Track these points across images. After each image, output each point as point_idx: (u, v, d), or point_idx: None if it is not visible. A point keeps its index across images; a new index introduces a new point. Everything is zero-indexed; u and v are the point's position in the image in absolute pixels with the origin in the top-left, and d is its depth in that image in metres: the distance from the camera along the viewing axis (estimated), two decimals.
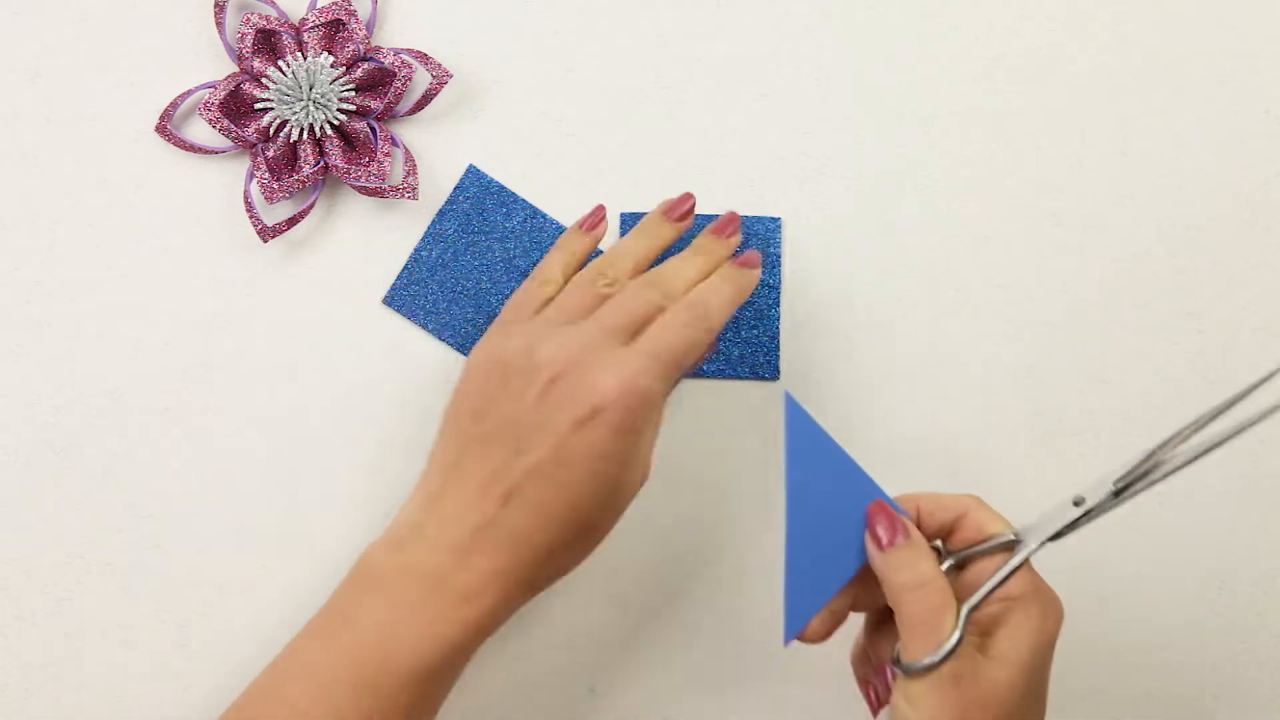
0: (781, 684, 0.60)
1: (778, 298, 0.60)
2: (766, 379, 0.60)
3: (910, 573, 0.48)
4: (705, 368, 0.60)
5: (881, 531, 0.49)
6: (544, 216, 0.60)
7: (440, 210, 0.60)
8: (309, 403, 0.59)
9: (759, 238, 0.60)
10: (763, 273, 0.59)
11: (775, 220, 0.60)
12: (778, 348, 0.60)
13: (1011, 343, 0.61)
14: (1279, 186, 0.62)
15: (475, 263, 0.60)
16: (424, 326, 0.60)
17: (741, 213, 0.61)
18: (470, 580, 0.48)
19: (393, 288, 0.60)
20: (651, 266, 0.55)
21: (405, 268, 0.60)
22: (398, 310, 0.60)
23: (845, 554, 0.50)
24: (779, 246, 0.60)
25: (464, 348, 0.60)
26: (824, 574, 0.50)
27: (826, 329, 0.61)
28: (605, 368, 0.49)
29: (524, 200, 0.60)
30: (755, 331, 0.60)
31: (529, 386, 0.49)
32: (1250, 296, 0.62)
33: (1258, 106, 0.62)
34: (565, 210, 0.61)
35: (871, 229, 0.62)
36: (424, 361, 0.60)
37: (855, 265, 0.61)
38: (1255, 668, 0.61)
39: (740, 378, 0.60)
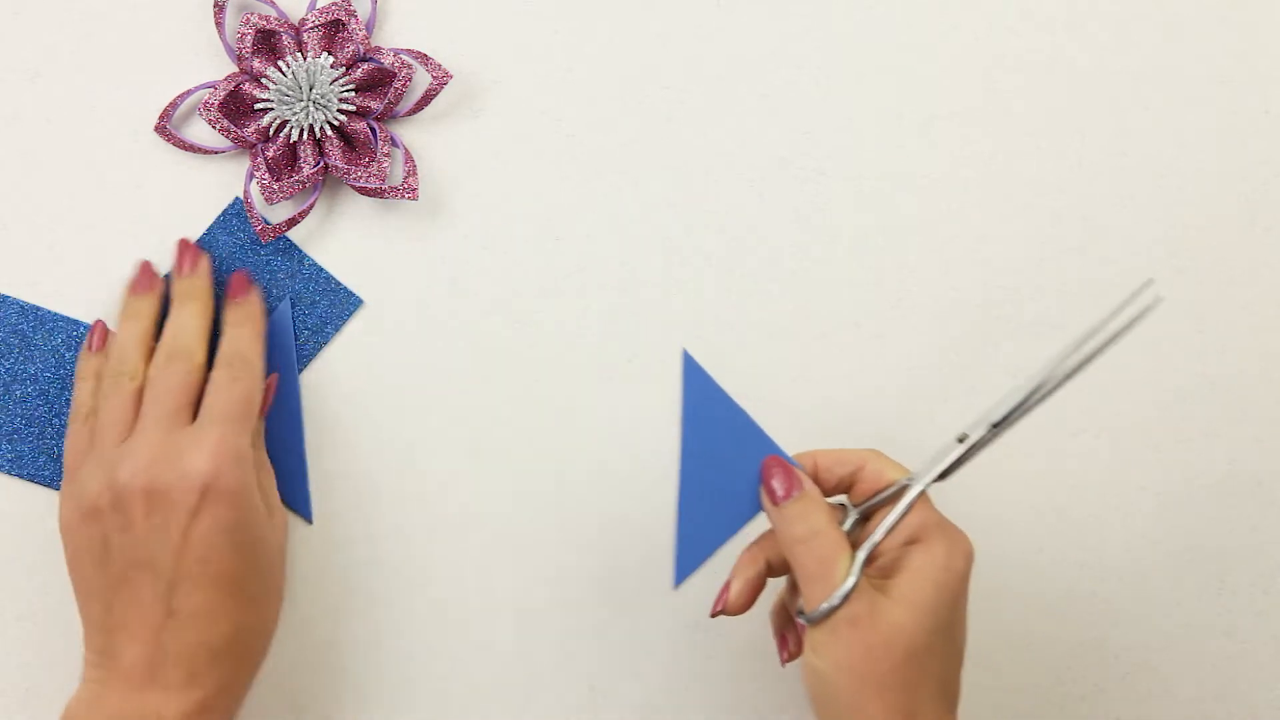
0: (783, 683, 0.60)
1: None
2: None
3: (803, 525, 0.49)
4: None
5: (776, 485, 0.50)
6: (55, 317, 0.58)
7: None
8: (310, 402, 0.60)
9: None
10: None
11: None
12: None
13: (1011, 343, 0.61)
14: (1279, 186, 0.62)
15: (27, 389, 0.58)
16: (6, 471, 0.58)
17: (747, 212, 0.61)
18: (166, 715, 0.49)
19: None
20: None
21: None
22: None
23: (738, 507, 0.52)
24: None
25: (45, 480, 0.58)
26: (716, 525, 0.53)
27: (826, 329, 0.61)
28: (187, 453, 0.50)
29: (51, 313, 0.58)
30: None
31: (131, 514, 0.50)
32: (1250, 296, 0.62)
33: (1258, 106, 0.63)
34: (565, 210, 0.61)
35: (871, 229, 0.62)
36: (405, 377, 0.60)
37: (855, 265, 0.61)
38: (1255, 668, 0.61)
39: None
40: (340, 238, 0.60)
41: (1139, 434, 0.61)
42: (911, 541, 0.49)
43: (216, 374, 0.53)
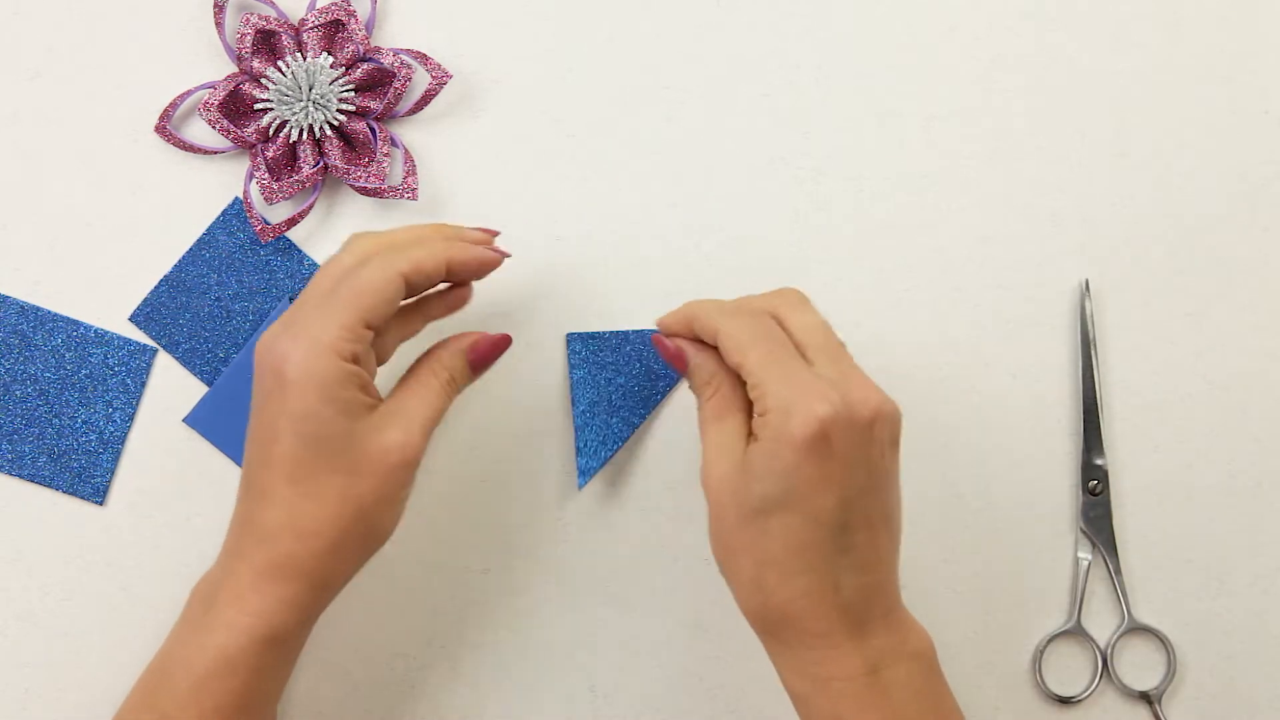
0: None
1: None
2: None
3: (710, 392, 0.50)
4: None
5: (672, 356, 0.51)
6: (55, 317, 0.58)
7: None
8: None
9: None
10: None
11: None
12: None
13: (1012, 343, 0.61)
14: (1279, 186, 0.62)
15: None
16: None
17: (741, 214, 0.61)
18: (234, 584, 0.48)
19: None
20: None
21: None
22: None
23: (631, 411, 0.59)
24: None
25: (45, 480, 0.59)
26: (612, 431, 0.59)
27: (851, 329, 0.61)
28: (288, 331, 0.48)
29: (51, 313, 0.58)
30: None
31: (258, 379, 0.49)
32: (1250, 296, 0.62)
33: (1258, 106, 0.62)
34: (565, 210, 0.61)
35: (871, 229, 0.62)
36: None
37: (855, 266, 0.61)
38: (1255, 668, 0.61)
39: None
40: (340, 238, 0.60)
41: (1140, 434, 0.61)
42: (762, 413, 0.47)
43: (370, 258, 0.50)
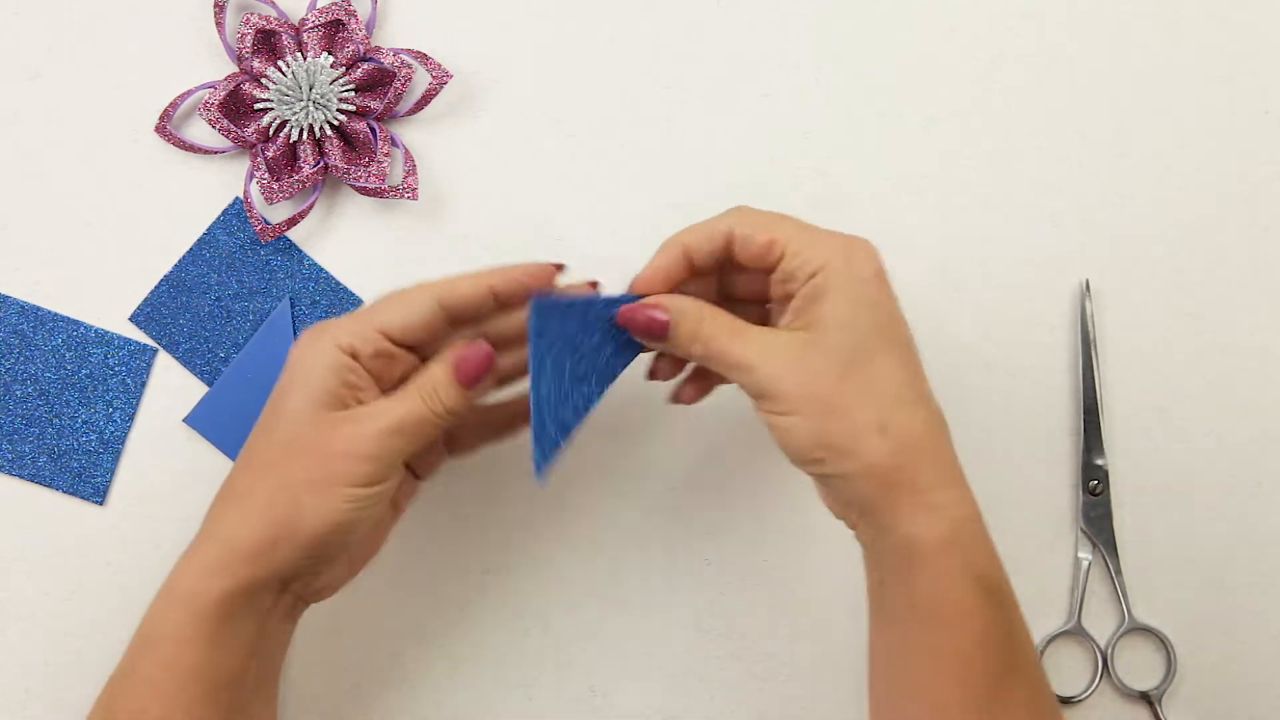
0: (784, 684, 0.60)
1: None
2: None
3: (699, 346, 0.49)
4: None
5: (649, 327, 0.49)
6: (55, 317, 0.58)
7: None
8: None
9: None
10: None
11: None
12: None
13: (1012, 343, 0.61)
14: (1279, 186, 0.62)
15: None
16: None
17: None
18: (185, 557, 0.49)
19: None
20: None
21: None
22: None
23: (590, 381, 0.51)
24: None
25: (45, 480, 0.59)
26: (571, 409, 0.50)
27: None
28: (314, 327, 0.50)
29: (51, 313, 0.58)
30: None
31: None
32: (1250, 296, 0.62)
33: (1258, 106, 0.62)
34: (565, 210, 0.61)
35: (871, 229, 0.61)
36: None
37: None
38: (1255, 668, 0.61)
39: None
40: (340, 238, 0.60)
41: (1140, 435, 0.61)
42: (813, 274, 0.48)
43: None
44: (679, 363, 0.53)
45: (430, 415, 0.49)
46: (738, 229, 0.49)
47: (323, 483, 0.48)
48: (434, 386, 0.49)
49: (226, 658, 0.48)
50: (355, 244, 0.60)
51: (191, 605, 0.48)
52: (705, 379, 0.54)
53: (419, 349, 0.51)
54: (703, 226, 0.50)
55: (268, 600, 0.49)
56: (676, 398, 0.54)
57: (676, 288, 0.50)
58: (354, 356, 0.49)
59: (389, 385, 0.50)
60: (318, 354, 0.48)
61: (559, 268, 0.52)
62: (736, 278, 0.52)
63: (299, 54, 0.58)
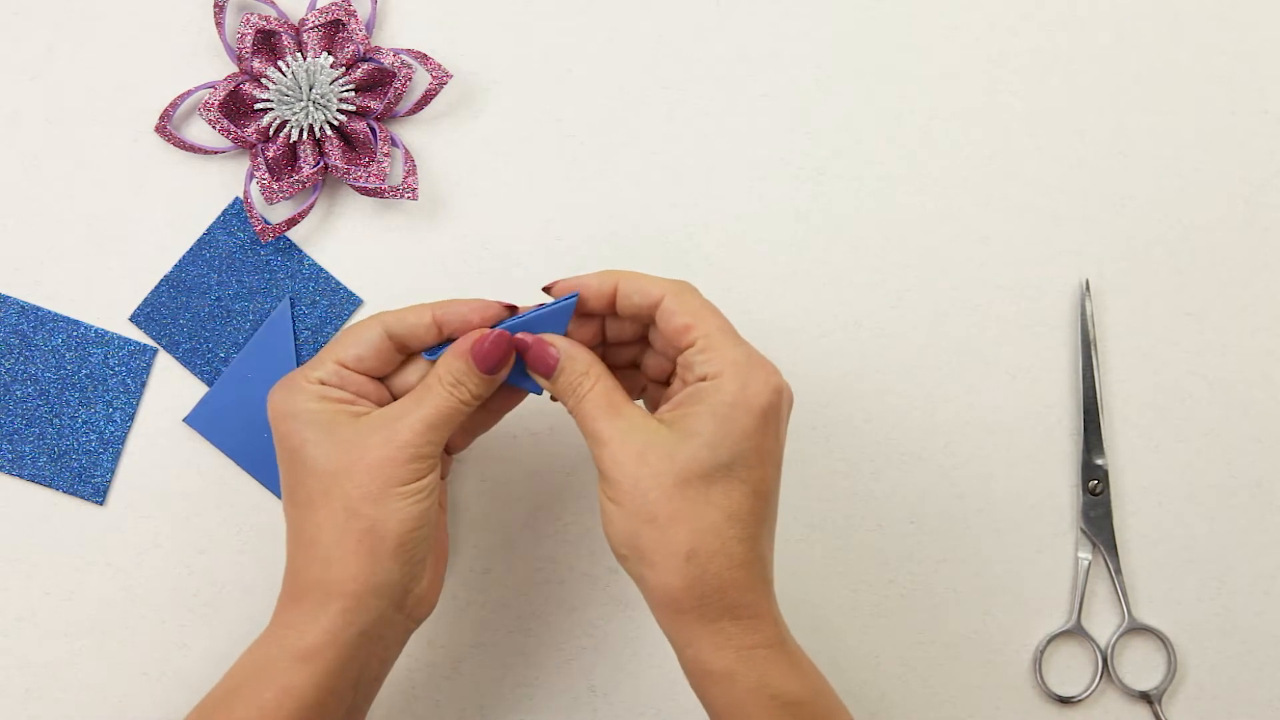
0: None
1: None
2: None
3: (572, 397, 0.50)
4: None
5: (542, 362, 0.50)
6: (55, 317, 0.58)
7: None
8: None
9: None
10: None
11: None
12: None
13: (1012, 343, 0.61)
14: (1279, 186, 0.62)
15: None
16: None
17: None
18: (278, 607, 0.50)
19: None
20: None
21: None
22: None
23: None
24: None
25: (45, 480, 0.59)
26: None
27: (826, 329, 0.61)
28: (278, 382, 0.51)
29: (51, 313, 0.58)
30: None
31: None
32: (1250, 296, 0.62)
33: (1258, 106, 0.62)
34: (565, 210, 0.61)
35: (871, 229, 0.62)
36: None
37: (855, 266, 0.61)
38: (1255, 668, 0.61)
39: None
40: (340, 238, 0.60)
41: (1141, 435, 0.61)
42: (703, 378, 0.48)
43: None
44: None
45: (459, 405, 0.50)
46: (668, 301, 0.49)
47: (376, 493, 0.48)
48: (456, 378, 0.50)
49: (311, 695, 0.49)
50: (355, 244, 0.60)
51: (279, 644, 0.49)
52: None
53: (376, 376, 0.52)
54: (644, 279, 0.50)
55: (387, 630, 0.50)
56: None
57: (594, 312, 0.51)
58: (323, 382, 0.50)
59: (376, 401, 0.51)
60: (295, 396, 0.50)
61: (510, 309, 0.52)
62: (648, 354, 0.53)
63: (299, 54, 0.58)
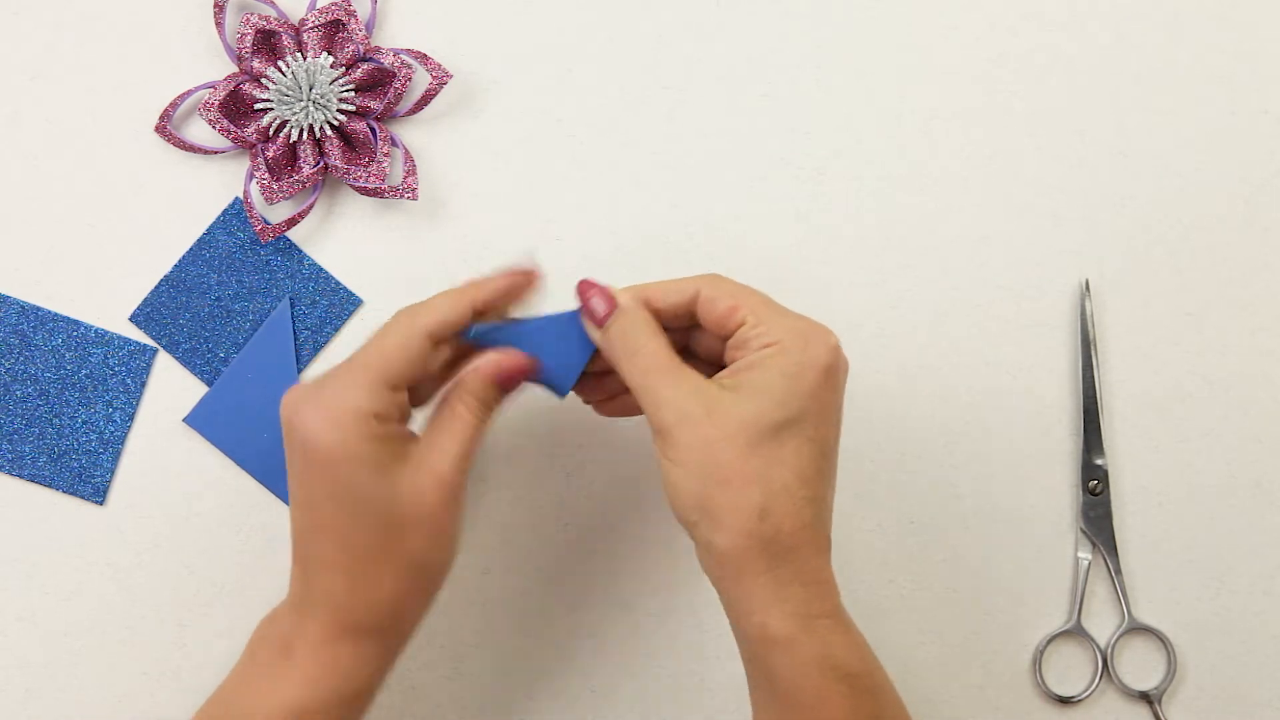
0: None
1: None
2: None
3: (624, 343, 0.49)
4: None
5: (596, 305, 0.49)
6: (55, 317, 0.58)
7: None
8: None
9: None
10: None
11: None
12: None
13: (1012, 343, 0.61)
14: (1279, 186, 0.62)
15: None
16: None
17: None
18: (308, 640, 0.48)
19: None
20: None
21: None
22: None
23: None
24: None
25: (45, 480, 0.59)
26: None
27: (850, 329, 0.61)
28: (311, 401, 0.47)
29: (51, 313, 0.58)
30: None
31: (288, 445, 0.49)
32: (1250, 296, 0.62)
33: (1258, 106, 0.63)
34: (565, 210, 0.61)
35: (872, 229, 0.62)
36: None
37: (855, 266, 0.61)
38: (1255, 668, 0.61)
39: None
40: (340, 238, 0.60)
41: (1141, 435, 0.61)
42: (765, 346, 0.48)
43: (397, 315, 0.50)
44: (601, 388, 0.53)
45: (484, 424, 0.50)
46: (705, 290, 0.49)
47: (437, 539, 0.48)
48: (482, 402, 0.50)
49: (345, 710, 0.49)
50: (355, 244, 0.60)
51: (327, 687, 0.48)
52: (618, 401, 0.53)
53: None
54: (672, 283, 0.50)
55: (393, 662, 0.50)
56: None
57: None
58: (379, 417, 0.47)
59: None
60: (346, 437, 0.47)
61: (534, 275, 0.52)
62: (697, 336, 0.52)
63: (299, 54, 0.58)
